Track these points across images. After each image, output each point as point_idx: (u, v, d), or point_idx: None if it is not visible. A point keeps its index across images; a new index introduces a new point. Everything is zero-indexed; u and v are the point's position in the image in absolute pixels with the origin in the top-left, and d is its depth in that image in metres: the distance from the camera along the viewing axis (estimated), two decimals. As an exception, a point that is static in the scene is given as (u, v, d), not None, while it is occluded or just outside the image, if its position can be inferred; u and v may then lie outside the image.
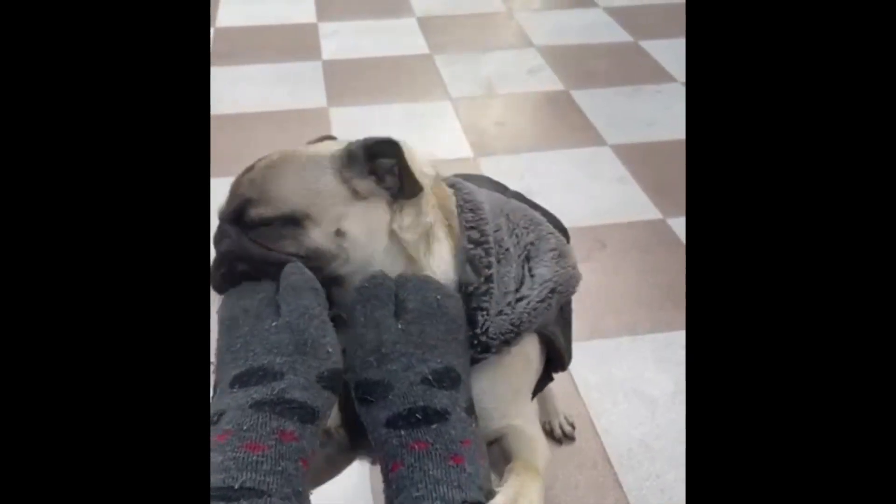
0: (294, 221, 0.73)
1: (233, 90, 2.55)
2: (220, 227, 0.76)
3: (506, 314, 0.78)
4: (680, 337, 1.60)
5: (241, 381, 0.66)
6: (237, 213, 0.74)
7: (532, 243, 0.83)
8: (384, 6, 3.27)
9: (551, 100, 2.59)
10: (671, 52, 2.86)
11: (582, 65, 2.81)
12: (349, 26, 3.07)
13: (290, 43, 2.92)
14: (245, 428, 0.62)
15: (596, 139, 2.34)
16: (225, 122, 2.33)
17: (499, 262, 0.79)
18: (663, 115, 2.48)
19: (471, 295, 0.77)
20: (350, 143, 0.78)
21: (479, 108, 2.54)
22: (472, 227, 0.80)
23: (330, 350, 0.69)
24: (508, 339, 0.78)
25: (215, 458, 0.60)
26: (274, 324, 0.69)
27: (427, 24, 3.10)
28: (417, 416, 0.68)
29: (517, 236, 0.83)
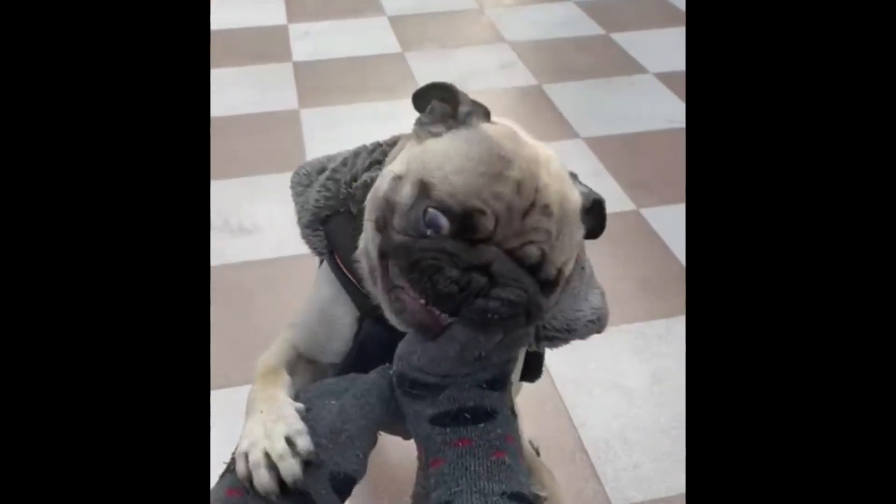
0: (555, 284, 0.72)
1: (202, 94, 2.52)
2: (508, 274, 0.67)
3: (563, 318, 0.79)
4: (656, 327, 1.61)
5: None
6: (537, 268, 0.69)
7: (589, 275, 0.86)
8: (355, 6, 3.24)
9: (524, 94, 2.58)
10: (642, 45, 2.87)
11: (554, 59, 2.81)
12: (320, 27, 3.05)
13: (261, 46, 2.89)
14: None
15: (569, 132, 2.34)
16: (195, 127, 2.29)
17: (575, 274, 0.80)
18: (635, 106, 2.48)
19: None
20: (582, 193, 0.77)
21: (451, 105, 2.53)
22: None
23: (359, 456, 0.69)
24: (558, 338, 0.80)
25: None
26: (333, 402, 0.71)
27: (398, 23, 3.09)
28: (466, 415, 0.69)
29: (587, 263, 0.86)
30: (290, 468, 0.65)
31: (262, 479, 0.65)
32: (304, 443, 0.67)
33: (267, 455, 0.66)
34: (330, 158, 0.86)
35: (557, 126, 2.38)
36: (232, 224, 1.91)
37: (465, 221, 0.65)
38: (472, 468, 0.66)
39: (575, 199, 0.74)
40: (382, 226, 0.70)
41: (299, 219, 0.84)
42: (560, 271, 0.71)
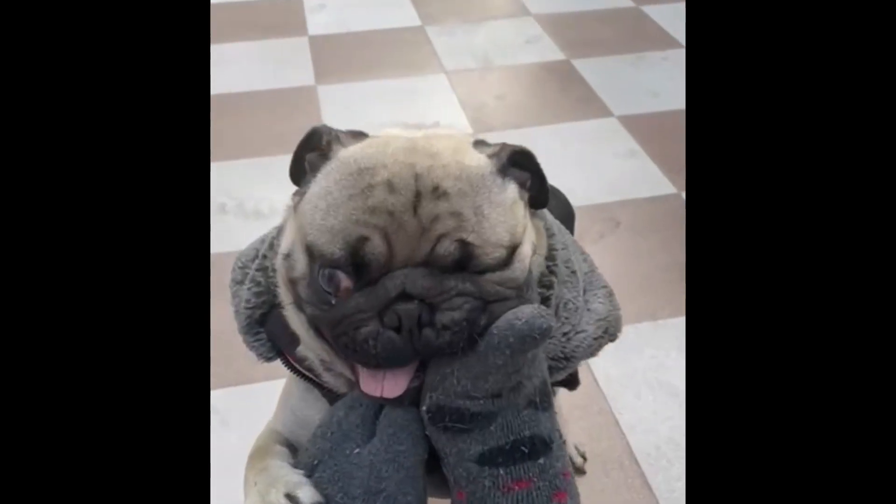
0: (506, 263, 0.60)
1: (214, 70, 2.40)
2: (432, 287, 0.57)
3: (557, 342, 0.67)
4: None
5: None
6: (463, 262, 0.57)
7: (587, 273, 0.73)
8: (371, -23, 3.10)
9: (552, 70, 2.44)
10: (676, 17, 2.72)
11: (582, 33, 2.67)
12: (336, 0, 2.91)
13: (275, 19, 2.76)
14: None
15: (602, 111, 2.21)
16: (206, 105, 2.18)
17: (562, 284, 0.68)
18: (670, 83, 2.34)
19: None
20: (491, 154, 0.64)
21: (476, 81, 2.40)
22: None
23: None
24: (555, 367, 0.67)
25: None
26: (357, 451, 0.59)
27: (417, -5, 2.94)
28: (523, 448, 0.58)
29: (577, 262, 0.73)
30: None
31: None
32: (306, 494, 0.58)
33: None
34: (262, 240, 0.74)
35: (589, 104, 2.25)
36: (247, 208, 1.81)
37: (356, 259, 0.56)
38: None
39: (476, 163, 0.61)
40: (300, 307, 0.62)
41: (238, 325, 0.72)
42: (506, 248, 0.59)
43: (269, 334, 0.70)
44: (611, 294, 0.74)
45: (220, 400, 1.33)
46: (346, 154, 0.63)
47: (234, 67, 2.43)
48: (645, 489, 1.18)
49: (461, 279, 0.57)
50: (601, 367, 1.39)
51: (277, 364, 0.74)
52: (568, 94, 2.31)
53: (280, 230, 0.71)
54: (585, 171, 1.93)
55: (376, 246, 0.56)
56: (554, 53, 2.53)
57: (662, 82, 2.35)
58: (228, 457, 1.19)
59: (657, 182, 1.91)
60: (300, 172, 0.67)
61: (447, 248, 0.56)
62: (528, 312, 0.57)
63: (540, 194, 0.68)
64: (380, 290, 0.56)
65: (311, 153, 0.66)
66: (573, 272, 0.70)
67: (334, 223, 0.57)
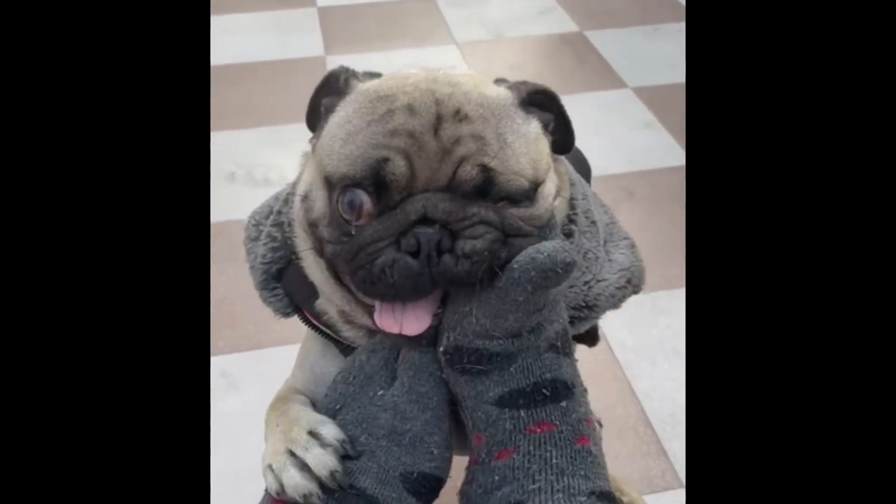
0: (530, 198, 0.58)
1: (223, 41, 2.37)
2: (455, 212, 0.54)
3: (578, 290, 0.65)
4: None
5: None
6: (485, 188, 0.55)
7: (607, 224, 0.71)
8: (381, -51, 3.05)
9: (566, 41, 2.40)
10: (692, -11, 2.66)
11: (596, 4, 2.62)
12: (344, -29, 2.86)
13: (282, -10, 2.72)
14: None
15: (616, 81, 2.17)
16: (214, 75, 2.15)
17: (582, 234, 0.66)
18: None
19: None
20: (511, 86, 0.63)
21: (487, 53, 2.36)
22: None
23: (434, 452, 0.57)
24: (577, 317, 0.65)
25: None
26: (381, 393, 0.58)
27: (428, -34, 2.89)
28: (545, 391, 0.56)
29: (597, 213, 0.71)
30: (320, 458, 0.55)
31: (293, 479, 0.54)
32: (329, 430, 0.57)
33: (291, 454, 0.55)
34: (277, 198, 0.72)
35: (603, 75, 2.20)
36: (256, 176, 1.78)
37: (378, 180, 0.54)
38: (553, 459, 0.53)
39: (496, 94, 0.60)
40: (321, 251, 0.59)
41: (254, 281, 0.70)
42: (528, 181, 0.57)
43: (287, 290, 0.68)
44: (633, 245, 0.71)
45: (230, 364, 1.32)
46: (365, 87, 0.61)
47: (242, 37, 2.40)
48: (661, 455, 1.17)
49: (484, 207, 0.55)
50: (616, 336, 1.37)
51: (287, 329, 0.72)
52: (582, 65, 2.27)
53: (294, 184, 0.69)
54: (600, 142, 1.90)
55: (398, 166, 0.54)
56: (567, 25, 2.49)
57: (678, 54, 2.31)
58: (237, 419, 1.19)
59: (672, 153, 1.87)
60: (316, 118, 0.65)
61: (469, 172, 0.54)
62: (550, 247, 0.55)
63: (564, 138, 0.66)
64: (399, 214, 0.54)
65: (327, 98, 0.64)
66: (593, 222, 0.68)
67: (353, 149, 0.56)
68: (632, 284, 0.69)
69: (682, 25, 2.47)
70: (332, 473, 0.54)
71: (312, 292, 0.66)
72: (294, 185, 0.69)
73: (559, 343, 0.58)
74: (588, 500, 0.51)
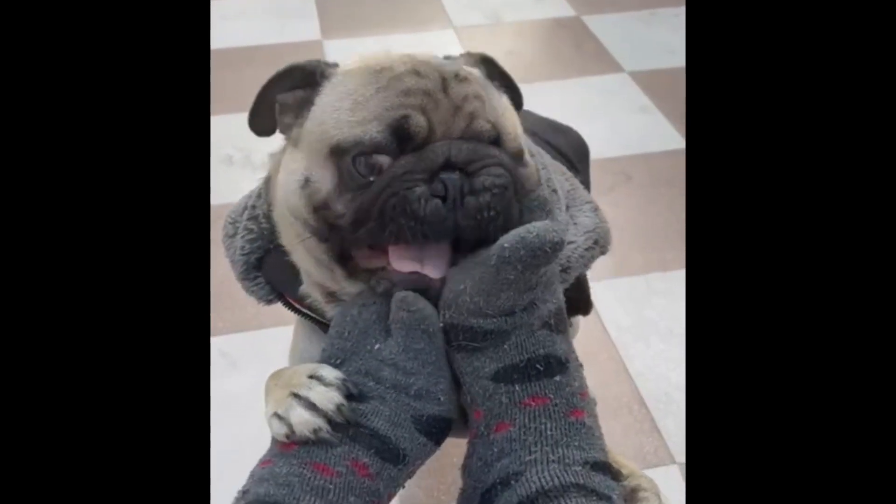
0: (521, 157, 0.65)
1: (220, 25, 2.36)
2: (475, 156, 0.58)
3: None
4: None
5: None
6: (496, 141, 0.61)
7: (569, 191, 0.73)
8: (378, -67, 3.04)
9: (563, 26, 2.40)
10: (690, -27, 2.66)
11: (593, -11, 2.61)
12: (342, -45, 2.85)
13: (279, -26, 2.71)
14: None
15: (613, 66, 2.17)
16: (213, 59, 2.15)
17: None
18: (683, 40, 2.30)
19: None
20: (469, 56, 0.70)
21: (485, 37, 2.36)
22: None
23: (441, 398, 0.59)
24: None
25: (279, 467, 0.52)
26: (378, 346, 0.59)
27: (425, -49, 2.88)
28: (538, 366, 0.57)
29: (557, 181, 0.73)
30: (324, 395, 0.55)
31: (301, 416, 0.55)
32: (329, 372, 0.58)
33: (296, 395, 0.56)
34: (249, 195, 0.74)
35: (600, 59, 2.21)
36: (254, 160, 1.79)
37: (399, 133, 0.57)
38: (548, 431, 0.55)
39: (464, 66, 0.66)
40: (327, 232, 0.61)
41: (235, 273, 0.72)
42: (519, 141, 0.64)
43: (268, 278, 0.71)
44: (596, 209, 0.74)
45: (230, 344, 1.33)
46: (352, 66, 0.64)
47: (239, 22, 2.40)
48: (654, 432, 1.19)
49: (498, 151, 0.60)
50: (611, 317, 1.38)
51: (285, 310, 0.73)
52: (580, 49, 2.27)
53: (267, 180, 0.71)
54: (597, 126, 1.91)
55: (419, 121, 0.57)
56: (564, 10, 2.48)
57: (675, 39, 2.31)
58: (237, 399, 1.20)
59: (669, 137, 1.88)
60: (265, 114, 0.66)
61: (482, 125, 0.59)
62: (539, 227, 0.56)
63: (516, 99, 0.71)
64: (428, 154, 0.57)
65: (286, 93, 0.65)
66: (554, 190, 0.70)
67: (365, 114, 0.58)
68: (599, 245, 0.71)
69: (679, 10, 2.47)
70: (339, 407, 0.55)
71: (294, 279, 0.67)
72: (266, 181, 0.71)
73: (552, 321, 0.59)
74: (583, 469, 0.53)
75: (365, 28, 2.36)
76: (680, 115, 1.95)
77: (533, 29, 2.41)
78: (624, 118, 1.96)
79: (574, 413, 0.57)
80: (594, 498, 0.49)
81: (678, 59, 2.20)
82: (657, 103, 2.00)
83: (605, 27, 2.37)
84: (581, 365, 0.62)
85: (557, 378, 0.58)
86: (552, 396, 0.57)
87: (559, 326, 0.60)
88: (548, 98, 2.03)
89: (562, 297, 0.62)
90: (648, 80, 2.10)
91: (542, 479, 0.51)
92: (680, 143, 1.86)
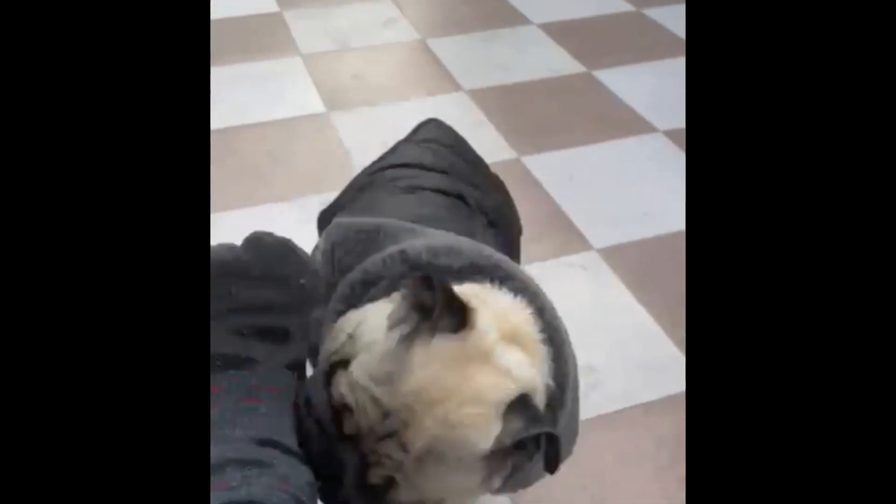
0: None
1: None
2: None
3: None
4: (532, 270, 1.62)
5: None
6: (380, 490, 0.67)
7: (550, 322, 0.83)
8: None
9: (408, 50, 2.53)
10: (528, -4, 2.86)
11: (439, 13, 2.77)
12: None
13: None
14: None
15: (452, 86, 2.31)
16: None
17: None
18: (518, 57, 2.48)
19: None
20: (520, 432, 0.63)
21: (332, 62, 2.45)
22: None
23: None
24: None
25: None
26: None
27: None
28: (217, 362, 0.66)
29: None
30: None
31: None
32: None
33: None
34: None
35: (440, 80, 2.34)
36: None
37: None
38: (215, 417, 0.62)
39: (475, 444, 0.63)
40: None
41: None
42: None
43: None
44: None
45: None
46: (411, 359, 0.66)
47: None
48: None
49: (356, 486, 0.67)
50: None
51: None
52: (421, 72, 2.40)
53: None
54: (433, 142, 2.03)
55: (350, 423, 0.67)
56: (410, 34, 2.61)
57: (511, 57, 2.48)
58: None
59: (500, 148, 2.03)
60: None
61: (379, 473, 0.67)
62: None
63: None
64: (342, 445, 0.67)
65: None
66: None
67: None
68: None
69: (517, 30, 2.65)
70: None
71: None
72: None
73: (247, 333, 0.68)
74: (244, 444, 0.59)
75: (212, 59, 2.39)
76: (510, 128, 2.11)
77: (380, 53, 2.53)
78: (461, 132, 2.09)
79: (245, 401, 0.64)
80: (254, 467, 0.57)
81: (512, 76, 2.37)
82: (490, 118, 2.15)
83: (447, 49, 2.51)
84: (298, 377, 0.70)
85: (231, 372, 0.65)
86: (225, 386, 0.64)
87: (265, 338, 0.69)
88: (391, 119, 2.15)
89: (287, 323, 0.71)
90: (483, 97, 2.25)
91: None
92: (509, 153, 2.01)
